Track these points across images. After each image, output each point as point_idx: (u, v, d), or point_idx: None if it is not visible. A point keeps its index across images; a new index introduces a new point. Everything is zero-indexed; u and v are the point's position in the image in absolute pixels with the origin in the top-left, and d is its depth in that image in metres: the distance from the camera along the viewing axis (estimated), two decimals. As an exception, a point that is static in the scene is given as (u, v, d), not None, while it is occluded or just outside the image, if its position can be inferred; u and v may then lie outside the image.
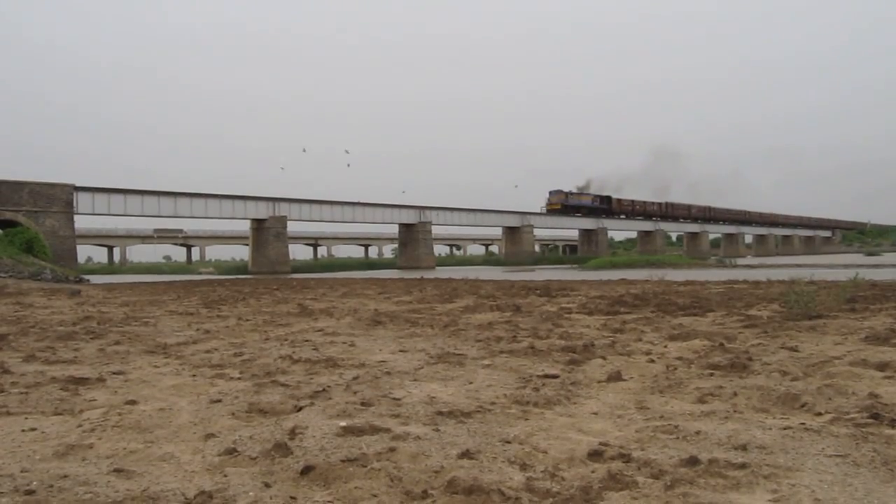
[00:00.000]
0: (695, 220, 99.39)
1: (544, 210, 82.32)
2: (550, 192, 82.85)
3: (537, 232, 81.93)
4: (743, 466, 2.99)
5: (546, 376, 5.31)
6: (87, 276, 39.52)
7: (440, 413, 4.11)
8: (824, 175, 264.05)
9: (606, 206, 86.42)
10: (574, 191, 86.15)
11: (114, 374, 5.79)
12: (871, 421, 3.68)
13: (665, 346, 6.84)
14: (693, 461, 3.05)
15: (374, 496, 2.74)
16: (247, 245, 67.09)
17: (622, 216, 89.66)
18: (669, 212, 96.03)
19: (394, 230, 75.75)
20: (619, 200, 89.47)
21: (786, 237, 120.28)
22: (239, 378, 5.53)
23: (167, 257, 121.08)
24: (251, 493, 2.80)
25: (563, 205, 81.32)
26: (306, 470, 3.02)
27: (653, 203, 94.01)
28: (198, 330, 9.34)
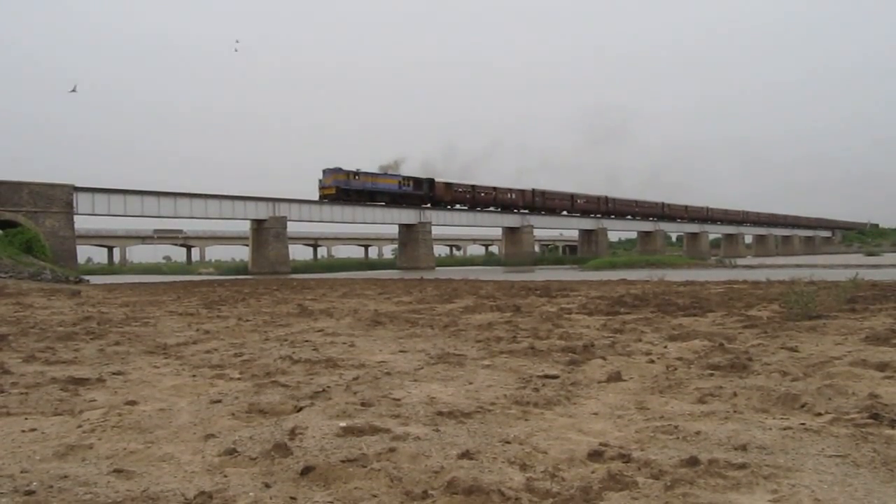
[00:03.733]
0: (584, 213, 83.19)
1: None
2: (325, 172, 61.55)
3: (537, 232, 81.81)
4: (743, 467, 2.99)
5: (546, 377, 5.31)
6: (86, 277, 39.41)
7: (440, 413, 4.11)
8: (779, 166, 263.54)
9: (425, 192, 67.05)
10: (364, 171, 63.72)
11: (114, 374, 5.79)
12: (871, 421, 3.68)
13: (665, 347, 6.84)
14: (693, 461, 3.05)
15: (374, 496, 2.74)
16: (247, 245, 67.02)
17: (455, 206, 70.89)
18: (539, 203, 76.88)
19: (393, 231, 75.65)
20: (447, 185, 68.75)
21: (785, 237, 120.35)
22: (239, 378, 5.53)
23: (167, 258, 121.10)
24: (251, 494, 2.80)
25: (340, 188, 61.05)
26: (306, 470, 3.02)
27: (509, 190, 74.80)
28: (198, 330, 9.34)
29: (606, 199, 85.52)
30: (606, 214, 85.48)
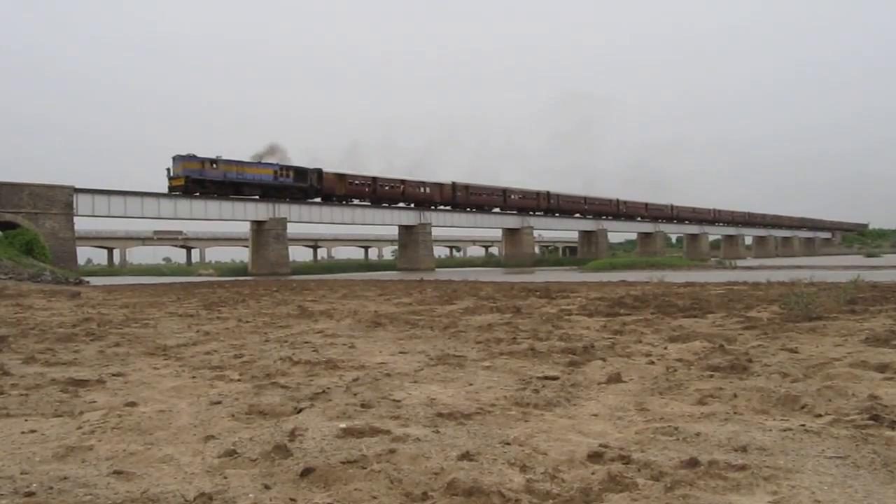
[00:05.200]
0: (520, 210, 76.44)
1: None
2: (175, 159, 51.53)
3: (537, 233, 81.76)
4: (743, 468, 2.99)
5: (546, 378, 5.31)
6: (86, 278, 39.41)
7: (440, 415, 4.11)
8: (768, 166, 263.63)
9: (310, 185, 58.65)
10: (226, 158, 53.69)
11: (113, 375, 5.78)
12: (871, 422, 3.68)
13: (665, 348, 6.84)
14: (693, 463, 3.05)
15: (374, 498, 2.74)
16: (246, 247, 67.05)
17: (353, 200, 63.00)
18: (461, 198, 69.74)
19: (393, 232, 75.69)
20: (340, 177, 60.63)
21: (785, 239, 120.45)
22: (239, 380, 5.53)
23: (167, 259, 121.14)
24: (251, 495, 2.80)
25: (193, 179, 51.38)
26: (306, 472, 3.02)
27: (421, 184, 67.14)
28: (197, 332, 9.34)
29: (548, 194, 78.05)
30: (548, 212, 78.98)
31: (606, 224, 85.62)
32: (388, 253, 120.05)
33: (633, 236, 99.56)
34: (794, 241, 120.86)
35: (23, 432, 3.87)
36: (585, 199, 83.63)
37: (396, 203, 66.26)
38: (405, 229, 68.26)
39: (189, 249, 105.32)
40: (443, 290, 18.81)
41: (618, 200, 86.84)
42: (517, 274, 44.15)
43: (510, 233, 77.23)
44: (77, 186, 45.43)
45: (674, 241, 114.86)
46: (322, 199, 60.70)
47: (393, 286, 22.67)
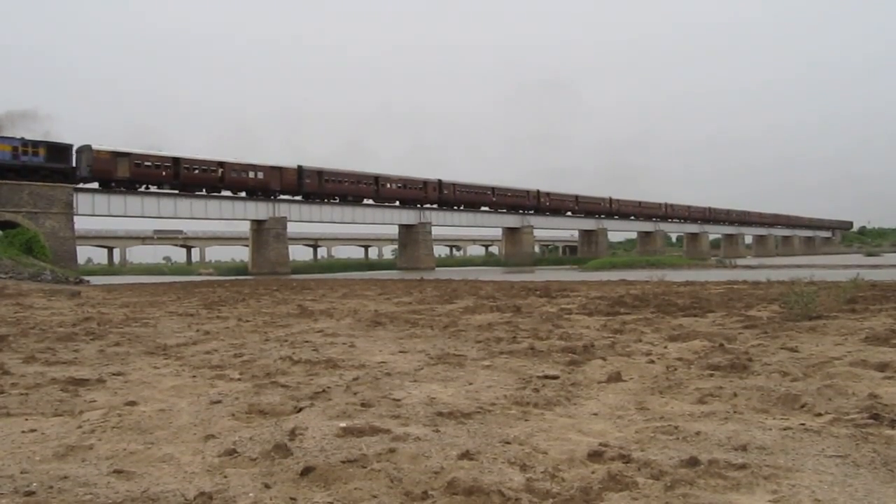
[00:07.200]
0: (403, 201, 65.34)
1: None
2: None
3: (537, 233, 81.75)
4: (743, 467, 2.99)
5: (546, 377, 5.31)
6: (86, 277, 39.45)
7: (440, 414, 4.11)
8: (752, 167, 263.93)
9: (70, 166, 44.69)
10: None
11: (114, 375, 5.79)
12: (871, 421, 3.68)
13: (665, 347, 6.83)
14: (693, 462, 3.05)
15: (374, 497, 2.74)
16: (247, 246, 67.09)
17: (149, 187, 49.76)
18: (311, 186, 57.24)
19: (394, 231, 75.70)
20: (120, 157, 46.30)
21: (786, 238, 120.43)
22: (239, 379, 5.53)
23: (167, 258, 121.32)
24: (251, 494, 2.80)
25: None
26: (306, 471, 3.02)
27: (252, 167, 53.74)
28: (198, 331, 9.34)
29: (439, 183, 66.22)
30: (442, 204, 67.66)
31: (607, 223, 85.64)
32: (389, 252, 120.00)
33: (634, 235, 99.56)
34: (794, 241, 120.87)
35: (23, 431, 3.87)
36: (494, 189, 71.14)
37: (217, 190, 53.56)
38: (405, 228, 68.25)
39: (189, 249, 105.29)
40: (443, 290, 18.81)
41: (538, 192, 75.05)
42: (517, 273, 44.16)
43: (510, 232, 77.24)
44: (76, 186, 45.43)
45: (674, 240, 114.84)
46: (100, 186, 47.35)
47: (393, 285, 22.66)
